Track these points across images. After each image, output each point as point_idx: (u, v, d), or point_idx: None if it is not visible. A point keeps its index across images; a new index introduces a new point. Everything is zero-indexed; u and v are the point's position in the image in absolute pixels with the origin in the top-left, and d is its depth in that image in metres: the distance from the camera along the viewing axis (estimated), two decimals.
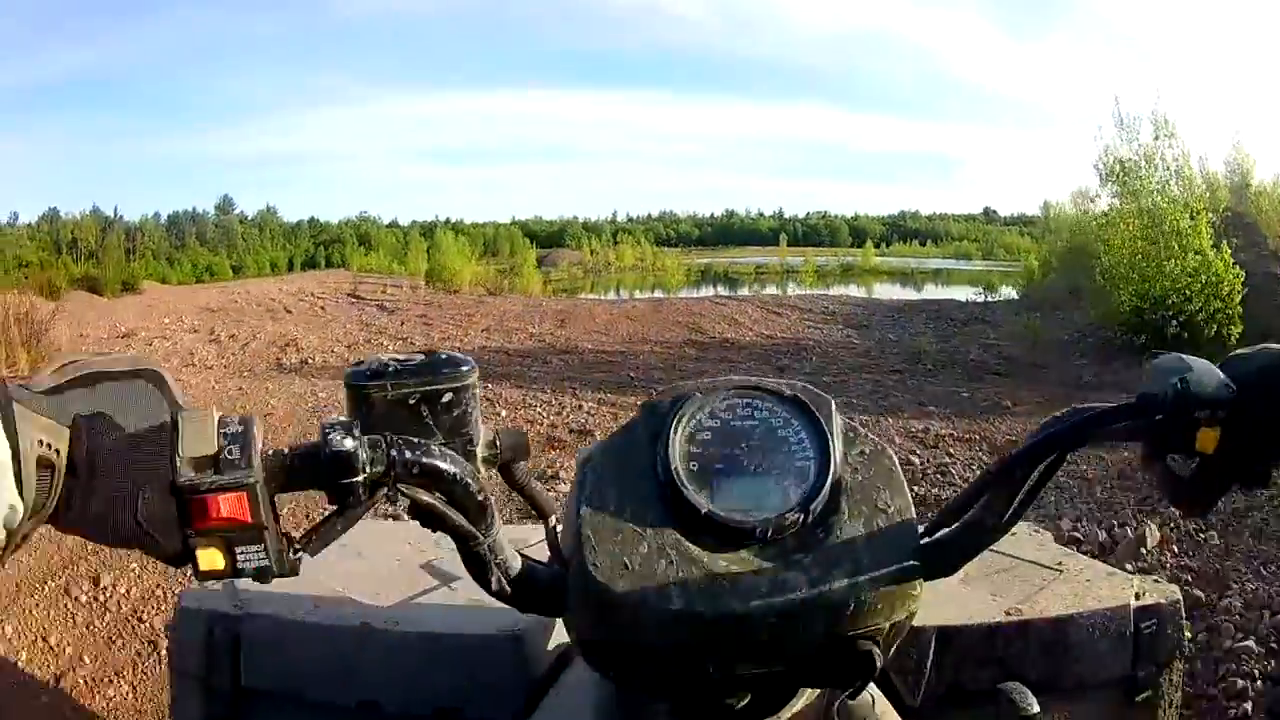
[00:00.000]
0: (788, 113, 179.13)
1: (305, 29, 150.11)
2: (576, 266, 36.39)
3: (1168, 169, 8.36)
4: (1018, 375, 7.04)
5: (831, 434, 0.59)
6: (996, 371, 7.21)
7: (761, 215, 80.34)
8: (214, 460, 0.44)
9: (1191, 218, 7.62)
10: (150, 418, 0.45)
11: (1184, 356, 0.58)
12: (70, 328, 9.55)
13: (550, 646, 0.88)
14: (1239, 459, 0.56)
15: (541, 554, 0.65)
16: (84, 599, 2.95)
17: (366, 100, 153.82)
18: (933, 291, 22.24)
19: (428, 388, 0.58)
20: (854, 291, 20.15)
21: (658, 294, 20.96)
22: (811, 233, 71.06)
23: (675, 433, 0.58)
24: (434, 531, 0.55)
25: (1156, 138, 8.38)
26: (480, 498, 0.54)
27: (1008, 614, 0.88)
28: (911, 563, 0.56)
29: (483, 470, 0.61)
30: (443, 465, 0.51)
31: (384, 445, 0.49)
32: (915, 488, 3.94)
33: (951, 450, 4.59)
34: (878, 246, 46.15)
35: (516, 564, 0.59)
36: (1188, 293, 7.31)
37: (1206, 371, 0.57)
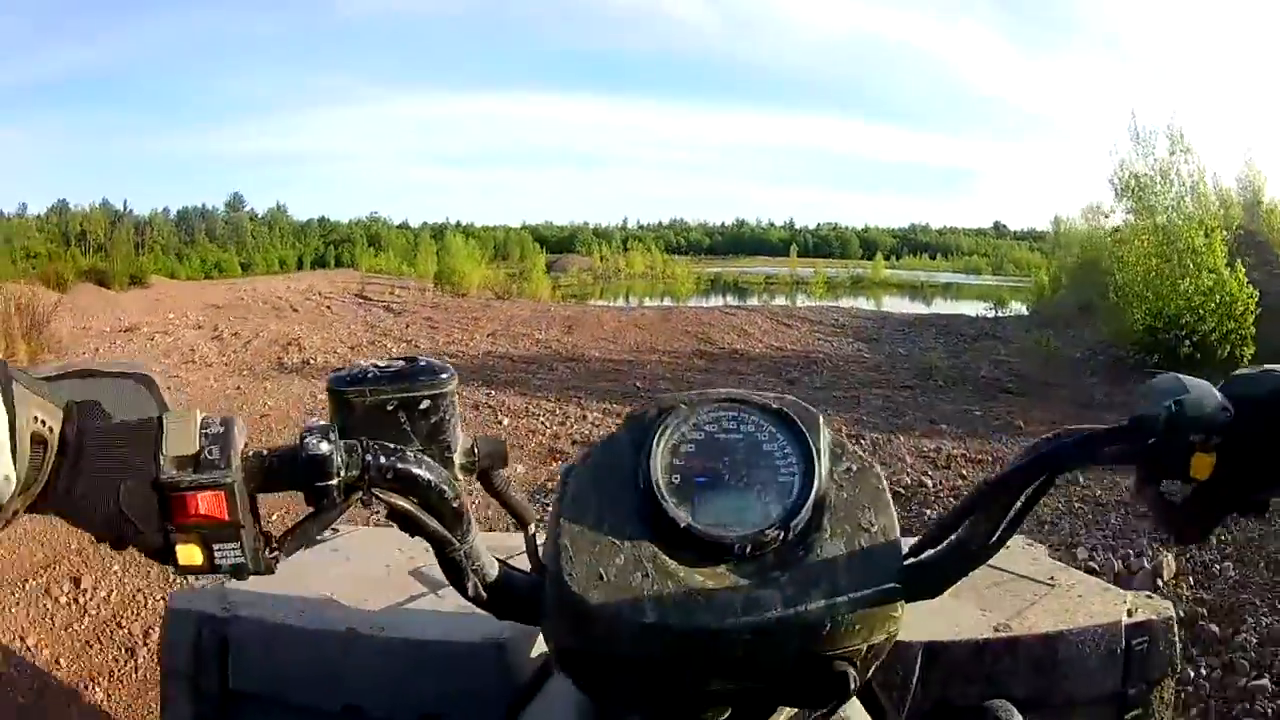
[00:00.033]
0: (800, 122, 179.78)
1: (306, 29, 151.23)
2: (586, 272, 36.45)
3: (1183, 185, 8.31)
4: (1030, 393, 6.94)
5: (817, 450, 0.59)
6: (1008, 389, 7.11)
7: (772, 225, 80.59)
8: (195, 460, 0.46)
9: (1206, 235, 7.57)
10: (138, 415, 0.47)
11: (1181, 377, 0.56)
12: (74, 320, 9.53)
13: (533, 655, 0.87)
14: (1236, 486, 0.54)
15: (526, 562, 0.66)
16: (64, 600, 2.90)
17: (369, 100, 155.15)
18: (942, 306, 22.19)
19: (406, 394, 0.59)
20: (863, 304, 20.05)
21: (667, 302, 20.95)
22: (822, 244, 71.16)
23: (658, 444, 0.59)
24: (411, 536, 0.55)
25: (1172, 153, 8.32)
26: (455, 504, 0.55)
27: (996, 630, 0.87)
28: (892, 584, 0.56)
29: (460, 477, 0.62)
30: (417, 471, 0.53)
31: (360, 450, 0.51)
32: (928, 510, 3.86)
33: (964, 472, 4.51)
34: (888, 259, 46.19)
35: (494, 571, 0.60)
36: (1201, 312, 7.26)
37: (1204, 393, 0.54)
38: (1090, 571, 3.03)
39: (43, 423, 0.43)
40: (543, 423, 5.49)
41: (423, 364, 0.60)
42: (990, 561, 0.61)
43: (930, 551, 0.61)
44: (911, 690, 0.83)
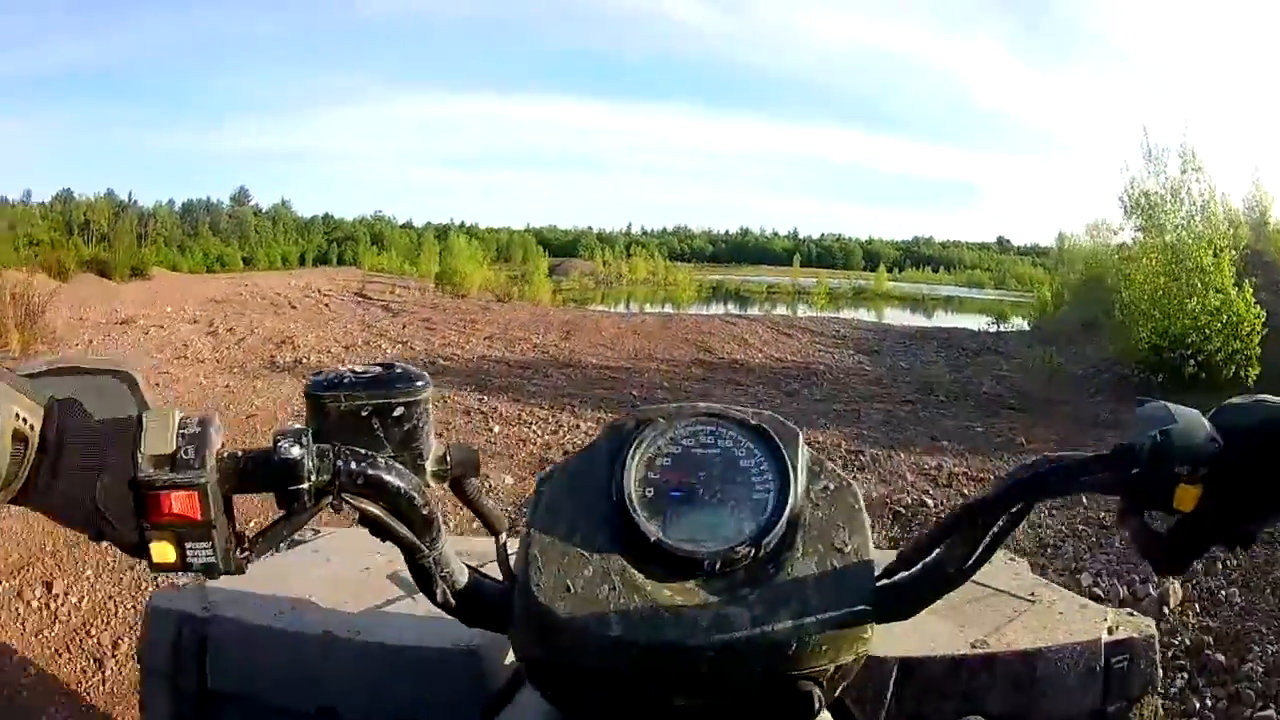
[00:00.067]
0: (806, 132, 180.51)
1: (307, 29, 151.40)
2: (588, 277, 36.50)
3: (1194, 204, 8.23)
4: (1032, 410, 6.86)
5: (794, 467, 0.59)
6: (1010, 405, 7.04)
7: (776, 235, 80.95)
8: (171, 459, 0.46)
9: (1215, 255, 7.51)
10: (118, 413, 0.47)
11: (1170, 406, 0.54)
12: (70, 310, 9.49)
13: (507, 662, 0.86)
14: (1223, 517, 0.52)
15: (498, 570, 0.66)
16: (35, 604, 2.83)
17: (372, 100, 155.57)
18: (943, 319, 22.13)
19: (379, 400, 0.58)
20: (864, 316, 19.99)
21: (668, 309, 20.91)
22: (826, 254, 71.43)
23: (633, 457, 0.58)
24: (382, 541, 0.55)
25: (1184, 171, 8.25)
26: (425, 511, 0.55)
27: (974, 646, 0.86)
28: (863, 606, 0.55)
29: (432, 484, 0.61)
30: (387, 477, 0.53)
31: (332, 455, 0.51)
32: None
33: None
34: (891, 271, 46.19)
35: (463, 578, 0.60)
36: (1208, 331, 7.21)
37: (1192, 424, 0.52)
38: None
39: (25, 420, 0.43)
40: (535, 431, 5.39)
41: (399, 370, 0.60)
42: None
43: (905, 573, 0.60)
44: (886, 706, 0.82)
